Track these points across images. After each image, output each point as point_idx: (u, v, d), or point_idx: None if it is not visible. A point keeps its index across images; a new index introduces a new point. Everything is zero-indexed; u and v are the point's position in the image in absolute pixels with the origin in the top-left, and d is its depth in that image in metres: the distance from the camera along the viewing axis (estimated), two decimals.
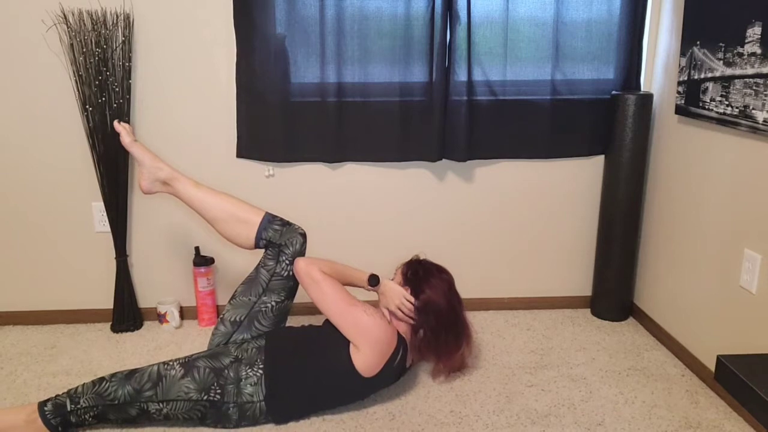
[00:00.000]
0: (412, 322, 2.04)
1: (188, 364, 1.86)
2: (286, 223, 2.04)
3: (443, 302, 2.03)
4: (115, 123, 2.10)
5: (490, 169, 2.62)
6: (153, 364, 1.86)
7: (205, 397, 1.81)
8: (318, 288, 1.92)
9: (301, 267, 1.94)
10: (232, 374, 1.85)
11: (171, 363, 1.86)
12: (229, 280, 2.64)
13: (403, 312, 2.03)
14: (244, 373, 1.85)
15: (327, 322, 2.06)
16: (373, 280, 2.06)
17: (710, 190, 2.14)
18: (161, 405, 1.80)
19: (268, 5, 2.35)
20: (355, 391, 1.96)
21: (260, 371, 1.86)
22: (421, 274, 2.07)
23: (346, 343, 1.91)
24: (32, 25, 2.34)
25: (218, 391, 1.82)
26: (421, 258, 2.18)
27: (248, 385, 1.84)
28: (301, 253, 2.03)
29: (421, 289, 2.03)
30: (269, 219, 2.03)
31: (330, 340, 1.94)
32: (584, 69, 2.51)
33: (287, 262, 2.00)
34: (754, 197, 1.92)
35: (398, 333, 1.98)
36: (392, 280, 2.12)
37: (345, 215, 2.63)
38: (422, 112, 2.48)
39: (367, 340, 1.87)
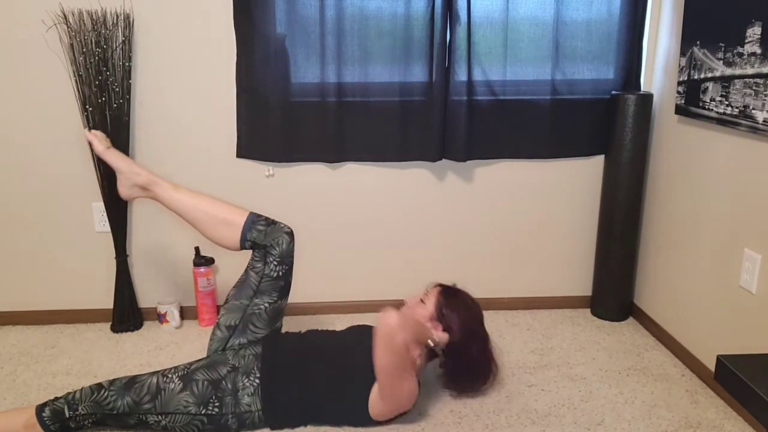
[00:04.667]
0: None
1: (187, 376, 1.84)
2: (271, 222, 1.98)
3: (474, 348, 2.00)
4: (86, 132, 2.05)
5: (490, 169, 2.62)
6: (152, 374, 1.85)
7: (204, 411, 1.80)
8: (391, 356, 1.72)
9: (390, 326, 1.69)
10: (229, 385, 1.84)
11: (170, 375, 1.84)
12: (230, 280, 2.64)
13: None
14: (241, 384, 1.85)
15: (338, 337, 2.05)
16: (431, 344, 1.90)
17: (710, 190, 2.14)
18: (160, 417, 1.80)
19: (268, 5, 2.35)
20: (358, 420, 1.92)
21: (257, 381, 1.85)
22: (455, 313, 1.99)
23: (368, 385, 1.85)
24: (32, 25, 2.34)
25: (216, 404, 1.81)
26: (457, 288, 2.10)
27: (245, 396, 1.84)
28: (289, 252, 1.97)
29: (452, 330, 1.96)
30: (253, 219, 1.97)
31: (349, 373, 1.88)
32: (584, 69, 2.51)
33: (275, 262, 1.96)
34: (754, 197, 1.92)
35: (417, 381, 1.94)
36: (423, 301, 2.04)
37: (345, 215, 2.63)
38: (422, 112, 2.48)
39: (396, 403, 1.85)
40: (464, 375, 2.04)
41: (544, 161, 2.62)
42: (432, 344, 1.89)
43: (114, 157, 2.03)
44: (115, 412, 1.79)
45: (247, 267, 2.02)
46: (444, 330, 1.96)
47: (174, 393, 1.81)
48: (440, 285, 2.09)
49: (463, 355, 1.98)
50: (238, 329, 1.98)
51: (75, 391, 1.81)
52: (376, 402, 1.85)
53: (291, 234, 1.99)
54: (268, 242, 1.96)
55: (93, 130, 2.06)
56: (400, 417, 1.94)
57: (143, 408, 1.79)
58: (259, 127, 2.48)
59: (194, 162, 2.52)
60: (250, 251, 2.03)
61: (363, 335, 2.04)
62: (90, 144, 2.05)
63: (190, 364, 1.91)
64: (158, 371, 1.87)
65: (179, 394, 1.81)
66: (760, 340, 1.90)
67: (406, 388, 1.82)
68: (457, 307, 2.00)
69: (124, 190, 2.04)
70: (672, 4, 2.38)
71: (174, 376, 1.84)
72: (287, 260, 1.98)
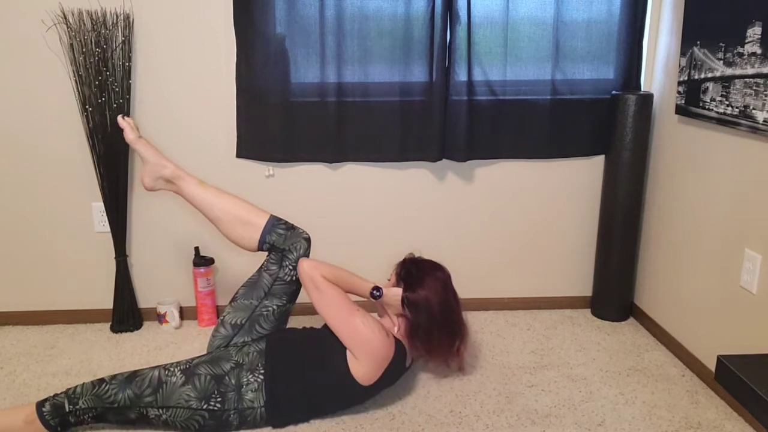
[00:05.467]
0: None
1: (189, 370, 1.84)
2: (290, 227, 2.01)
3: (436, 301, 2.00)
4: (119, 118, 2.07)
5: (490, 169, 2.62)
6: (154, 368, 1.85)
7: (205, 406, 1.80)
8: (319, 293, 1.89)
9: (305, 269, 1.90)
10: (233, 381, 1.84)
11: (172, 369, 1.85)
12: (229, 281, 2.64)
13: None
14: (245, 380, 1.85)
15: (326, 325, 2.06)
16: (376, 292, 2.00)
17: (710, 190, 2.14)
18: (161, 411, 1.80)
19: (268, 5, 2.35)
20: (353, 397, 1.95)
21: (261, 377, 1.85)
22: (415, 273, 2.03)
23: (344, 350, 1.89)
24: (32, 25, 2.34)
25: (218, 399, 1.81)
26: (416, 255, 2.15)
27: (249, 392, 1.84)
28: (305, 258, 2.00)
29: (413, 289, 2.00)
30: (273, 222, 2.00)
31: (327, 346, 1.92)
32: (584, 69, 2.51)
33: (291, 267, 1.98)
34: (754, 197, 1.92)
35: (396, 340, 1.96)
36: (389, 280, 2.11)
37: (345, 215, 2.63)
38: (422, 112, 2.48)
39: (364, 351, 1.85)
40: (429, 332, 2.00)
41: (544, 161, 2.62)
42: (377, 294, 1.98)
43: (143, 147, 2.05)
44: (115, 405, 1.78)
45: (261, 268, 2.03)
46: (405, 290, 2.00)
47: (176, 386, 1.80)
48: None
49: (426, 311, 1.98)
50: (244, 328, 1.99)
51: (76, 386, 1.81)
52: (353, 363, 1.87)
53: (309, 240, 2.02)
54: (286, 246, 1.98)
55: (126, 118, 2.07)
56: (391, 376, 1.94)
57: (144, 401, 1.79)
58: (259, 127, 2.48)
59: (194, 162, 2.52)
60: (254, 253, 2.04)
61: None
62: (122, 130, 2.06)
63: (193, 359, 1.91)
64: (160, 365, 1.87)
65: (181, 387, 1.81)
66: (760, 340, 1.90)
67: (360, 332, 1.84)
68: (414, 268, 2.05)
69: (148, 180, 2.05)
70: (672, 4, 2.38)
71: (176, 370, 1.84)
72: None
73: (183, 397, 1.80)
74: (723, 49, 2.00)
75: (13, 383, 2.17)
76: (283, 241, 1.98)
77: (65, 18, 2.31)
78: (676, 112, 2.28)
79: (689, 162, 2.26)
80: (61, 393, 1.80)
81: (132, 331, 2.57)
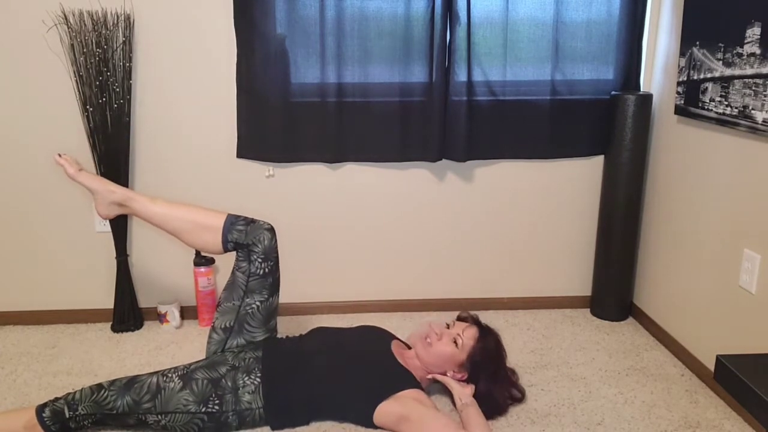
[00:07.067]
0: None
1: (187, 376, 1.85)
2: (250, 222, 1.99)
3: (495, 395, 1.98)
4: (56, 157, 2.01)
5: (490, 169, 2.62)
6: (152, 374, 1.86)
7: (204, 409, 1.81)
8: None
9: None
10: (229, 383, 1.85)
11: (170, 375, 1.85)
12: None
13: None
14: (241, 382, 1.85)
15: (350, 335, 2.06)
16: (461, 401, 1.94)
17: (710, 190, 2.14)
18: (160, 417, 1.80)
19: (268, 5, 2.36)
20: (360, 421, 1.92)
21: (258, 380, 1.86)
22: (485, 368, 1.98)
23: (382, 396, 1.85)
24: (33, 25, 2.34)
25: (216, 402, 1.82)
26: (489, 331, 2.06)
27: (246, 393, 1.84)
28: (272, 248, 1.98)
29: (478, 380, 1.96)
30: (232, 220, 1.98)
31: (365, 376, 1.89)
32: (584, 69, 2.51)
33: (260, 260, 1.97)
34: (754, 197, 1.92)
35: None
36: (455, 343, 1.99)
37: (345, 215, 2.63)
38: (422, 112, 2.48)
39: None
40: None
41: (544, 161, 2.63)
42: (461, 401, 1.91)
43: (87, 179, 2.02)
44: (114, 412, 1.79)
45: (233, 268, 2.03)
46: (469, 379, 1.97)
47: (174, 392, 1.81)
48: (475, 324, 2.06)
49: (481, 398, 1.96)
50: (234, 330, 1.99)
51: (75, 392, 1.81)
52: (386, 418, 1.84)
53: (272, 230, 2.00)
54: (249, 241, 1.97)
55: (63, 155, 2.03)
56: None
57: (143, 407, 1.79)
58: (260, 128, 2.48)
59: (194, 162, 2.52)
60: (224, 255, 2.04)
61: (379, 339, 2.08)
62: (63, 168, 2.01)
63: (190, 364, 1.92)
64: (158, 371, 1.88)
65: (179, 393, 1.81)
66: (759, 340, 1.90)
67: None
68: (488, 361, 1.98)
69: (101, 209, 2.04)
70: (672, 4, 2.38)
71: (174, 376, 1.85)
72: (271, 256, 1.99)
73: (181, 402, 1.81)
74: (722, 49, 2.00)
75: (14, 383, 2.17)
76: (245, 237, 1.97)
77: (66, 18, 2.32)
78: (676, 113, 2.28)
79: (688, 162, 2.27)
80: (60, 398, 1.80)
81: (133, 330, 2.57)
